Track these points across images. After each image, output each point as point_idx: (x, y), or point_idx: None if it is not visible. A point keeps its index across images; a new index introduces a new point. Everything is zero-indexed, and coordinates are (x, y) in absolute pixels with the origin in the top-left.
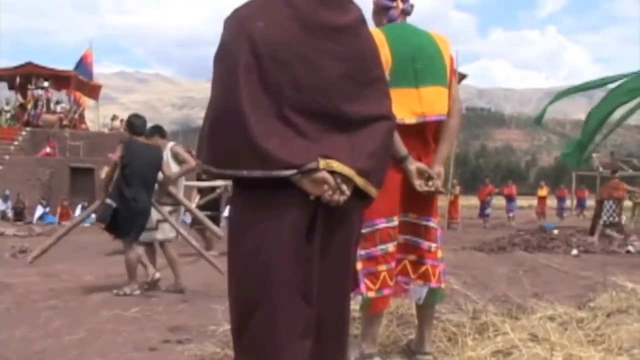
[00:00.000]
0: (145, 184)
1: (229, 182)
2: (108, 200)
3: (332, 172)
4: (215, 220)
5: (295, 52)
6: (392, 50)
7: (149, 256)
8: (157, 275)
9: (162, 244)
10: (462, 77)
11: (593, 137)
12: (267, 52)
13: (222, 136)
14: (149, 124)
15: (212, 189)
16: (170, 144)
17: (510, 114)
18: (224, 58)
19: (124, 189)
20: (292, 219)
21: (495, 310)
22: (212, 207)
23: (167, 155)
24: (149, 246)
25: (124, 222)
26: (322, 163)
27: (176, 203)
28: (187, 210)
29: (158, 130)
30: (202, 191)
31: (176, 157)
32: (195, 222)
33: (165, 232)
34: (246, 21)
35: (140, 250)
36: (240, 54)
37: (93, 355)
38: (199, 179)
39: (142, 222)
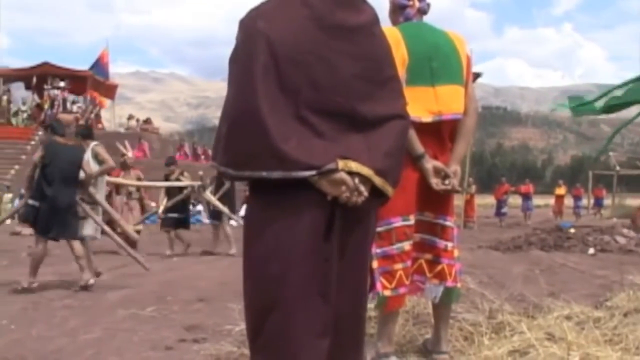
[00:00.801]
0: (67, 182)
1: (196, 183)
2: (30, 201)
3: (350, 173)
4: (184, 222)
5: (312, 51)
6: (409, 48)
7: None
8: (92, 281)
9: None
10: (477, 75)
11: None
12: (284, 52)
13: (240, 137)
14: (165, 123)
15: (180, 189)
16: (93, 143)
17: (526, 113)
18: (241, 58)
19: (45, 187)
20: (309, 219)
21: (511, 309)
22: (179, 208)
23: (88, 155)
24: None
25: (44, 220)
26: (341, 164)
27: (94, 202)
28: (104, 210)
29: (81, 131)
30: (169, 192)
31: (96, 157)
32: (164, 224)
33: (87, 229)
34: (262, 21)
35: (82, 251)
36: (257, 55)
37: (109, 355)
38: (166, 180)
39: (62, 220)
